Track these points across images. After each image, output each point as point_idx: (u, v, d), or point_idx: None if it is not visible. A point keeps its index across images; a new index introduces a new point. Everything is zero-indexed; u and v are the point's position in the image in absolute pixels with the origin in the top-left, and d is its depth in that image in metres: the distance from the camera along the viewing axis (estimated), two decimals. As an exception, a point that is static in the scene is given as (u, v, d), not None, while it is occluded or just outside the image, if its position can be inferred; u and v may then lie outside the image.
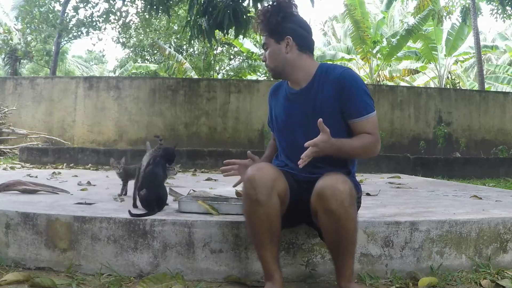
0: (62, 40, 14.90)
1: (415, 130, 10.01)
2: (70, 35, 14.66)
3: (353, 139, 1.73)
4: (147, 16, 13.39)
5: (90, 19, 14.04)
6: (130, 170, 2.66)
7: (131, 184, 2.51)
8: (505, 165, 7.50)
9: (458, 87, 17.32)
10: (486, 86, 17.13)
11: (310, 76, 1.82)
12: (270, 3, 1.87)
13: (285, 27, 1.82)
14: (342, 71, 1.79)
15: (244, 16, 7.04)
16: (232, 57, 17.77)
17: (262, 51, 2.13)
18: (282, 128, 1.89)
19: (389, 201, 2.68)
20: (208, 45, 11.41)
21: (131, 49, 17.96)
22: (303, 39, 1.84)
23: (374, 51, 15.12)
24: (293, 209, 1.73)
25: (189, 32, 7.71)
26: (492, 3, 13.21)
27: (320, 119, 1.63)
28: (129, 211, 1.90)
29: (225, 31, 7.35)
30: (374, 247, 1.86)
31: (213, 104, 9.82)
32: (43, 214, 1.89)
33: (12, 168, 5.95)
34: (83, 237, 1.83)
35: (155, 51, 17.04)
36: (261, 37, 1.93)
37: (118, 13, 14.28)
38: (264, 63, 1.92)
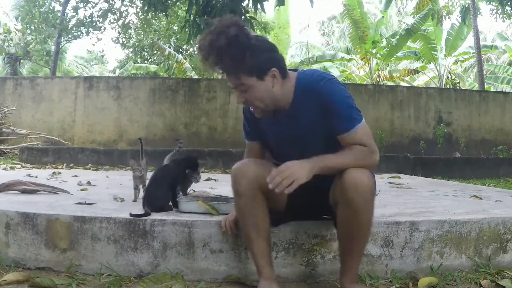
0: (62, 40, 14.91)
1: (415, 130, 10.01)
2: (70, 35, 14.67)
3: (343, 152, 1.60)
4: (147, 16, 13.40)
5: (90, 19, 14.05)
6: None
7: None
8: (505, 165, 7.50)
9: (458, 87, 17.32)
10: (486, 86, 17.13)
11: (290, 97, 1.66)
12: (218, 37, 1.51)
13: (265, 60, 1.58)
14: (324, 83, 1.62)
15: (243, 17, 7.04)
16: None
17: None
18: (275, 146, 1.81)
19: (389, 201, 2.68)
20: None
21: (131, 49, 17.96)
22: (282, 64, 1.64)
23: (374, 51, 15.12)
24: (306, 202, 1.75)
25: (188, 32, 7.72)
26: (491, 3, 13.23)
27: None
28: (130, 213, 1.90)
29: (223, 31, 7.36)
30: (374, 247, 1.86)
31: (213, 104, 9.82)
32: (43, 214, 1.89)
33: (12, 168, 5.95)
34: (83, 237, 1.83)
35: (155, 51, 17.04)
36: (227, 76, 1.61)
37: (118, 13, 14.29)
38: (242, 104, 1.65)
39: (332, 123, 1.63)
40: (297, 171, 1.50)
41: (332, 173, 1.59)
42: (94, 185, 3.41)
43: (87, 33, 14.55)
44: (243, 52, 1.52)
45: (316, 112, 1.64)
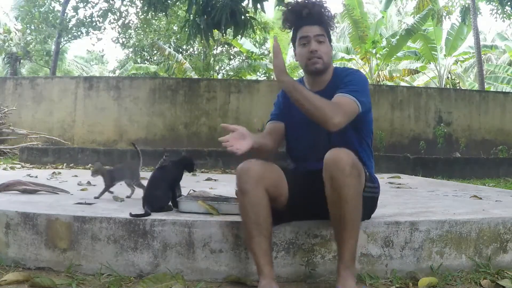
0: (62, 40, 14.91)
1: (415, 130, 10.01)
2: (70, 35, 14.67)
3: (316, 96, 1.73)
4: (146, 16, 13.41)
5: (89, 19, 14.05)
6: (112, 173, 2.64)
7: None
8: (505, 165, 7.51)
9: (458, 87, 17.33)
10: (486, 86, 17.14)
11: (329, 79, 1.92)
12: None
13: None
14: (352, 70, 1.93)
15: (243, 17, 7.03)
16: (232, 57, 17.77)
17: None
18: (303, 125, 1.90)
19: (389, 201, 2.68)
20: (206, 44, 11.43)
21: (131, 49, 17.96)
22: None
23: (374, 51, 15.12)
24: (306, 202, 1.78)
25: (188, 32, 7.71)
26: (491, 3, 13.22)
27: None
28: (130, 212, 1.90)
29: (222, 30, 7.36)
30: (374, 247, 1.86)
31: (213, 104, 9.82)
32: (43, 214, 1.89)
33: (12, 168, 5.95)
34: (83, 237, 1.83)
35: (155, 51, 17.04)
36: (310, 26, 1.88)
37: (118, 13, 14.29)
38: (313, 51, 1.86)
39: (340, 88, 1.81)
40: (279, 65, 1.72)
41: (294, 97, 1.72)
42: (94, 185, 3.41)
43: (87, 33, 14.54)
44: (333, 18, 1.93)
45: None
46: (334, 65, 2.01)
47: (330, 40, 1.92)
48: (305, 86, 1.94)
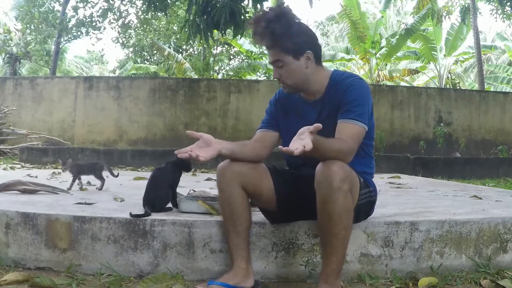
0: (62, 40, 14.91)
1: (415, 130, 10.02)
2: (70, 35, 14.67)
3: (333, 140, 1.61)
4: (146, 16, 13.41)
5: (89, 19, 14.05)
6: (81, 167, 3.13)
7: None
8: (505, 165, 7.50)
9: (458, 87, 17.33)
10: (486, 86, 17.13)
11: (323, 87, 1.79)
12: (269, 12, 1.71)
13: (303, 42, 1.72)
14: (352, 79, 1.77)
15: (242, 17, 7.04)
16: (231, 57, 17.78)
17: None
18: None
19: (389, 201, 2.67)
20: (206, 44, 11.46)
21: (131, 49, 17.95)
22: (318, 51, 1.78)
23: (373, 51, 15.12)
24: (299, 204, 1.76)
25: (188, 32, 7.72)
26: (491, 3, 13.23)
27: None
28: (130, 212, 1.90)
29: (222, 30, 7.37)
30: (374, 247, 1.86)
31: (213, 104, 9.83)
32: (43, 214, 1.89)
33: (12, 168, 5.95)
34: (83, 237, 1.83)
35: (155, 51, 17.05)
36: (268, 51, 1.75)
37: (118, 13, 14.30)
38: (276, 79, 1.77)
39: (342, 106, 1.72)
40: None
41: (314, 153, 1.48)
42: (94, 185, 3.41)
43: (87, 33, 14.55)
44: (287, 29, 1.68)
45: (339, 108, 1.73)
46: (334, 68, 1.92)
47: (298, 52, 1.70)
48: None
